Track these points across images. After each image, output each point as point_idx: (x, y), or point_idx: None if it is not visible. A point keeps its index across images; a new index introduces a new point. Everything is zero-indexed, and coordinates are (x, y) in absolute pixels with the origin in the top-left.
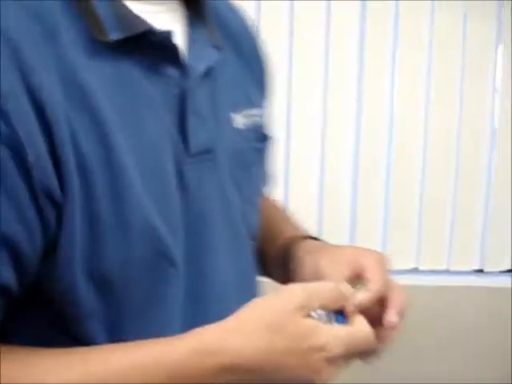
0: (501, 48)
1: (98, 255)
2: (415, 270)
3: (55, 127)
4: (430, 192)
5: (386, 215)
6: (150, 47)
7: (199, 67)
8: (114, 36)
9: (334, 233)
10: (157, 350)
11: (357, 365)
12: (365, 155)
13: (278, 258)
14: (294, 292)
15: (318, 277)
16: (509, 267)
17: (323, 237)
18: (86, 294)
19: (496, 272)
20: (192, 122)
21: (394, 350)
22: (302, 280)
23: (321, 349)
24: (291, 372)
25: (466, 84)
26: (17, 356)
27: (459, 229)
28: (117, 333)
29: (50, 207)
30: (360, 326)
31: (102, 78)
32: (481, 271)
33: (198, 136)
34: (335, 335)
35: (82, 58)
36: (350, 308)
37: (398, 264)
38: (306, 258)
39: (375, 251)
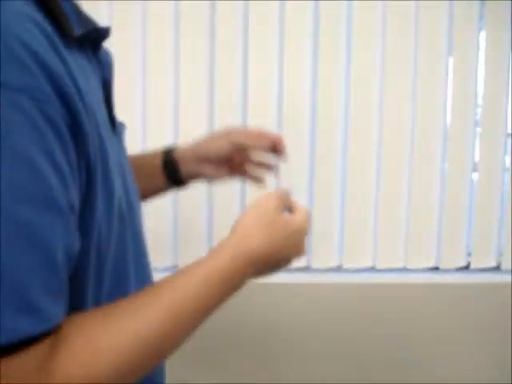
0: (451, 58)
1: (98, 224)
2: (373, 269)
3: (90, 112)
4: (385, 192)
5: (343, 216)
6: (92, 41)
7: (102, 56)
8: (78, 32)
9: None
10: (210, 267)
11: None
12: (320, 157)
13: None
14: (271, 198)
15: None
16: (464, 264)
17: None
18: (92, 262)
19: (452, 269)
20: (112, 105)
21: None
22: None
23: (300, 231)
24: (287, 253)
25: (419, 89)
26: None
27: (415, 227)
28: (99, 296)
29: (84, 181)
30: (303, 208)
31: (76, 71)
32: (436, 269)
33: (116, 117)
34: (303, 219)
35: (63, 51)
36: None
37: (356, 263)
38: (212, 141)
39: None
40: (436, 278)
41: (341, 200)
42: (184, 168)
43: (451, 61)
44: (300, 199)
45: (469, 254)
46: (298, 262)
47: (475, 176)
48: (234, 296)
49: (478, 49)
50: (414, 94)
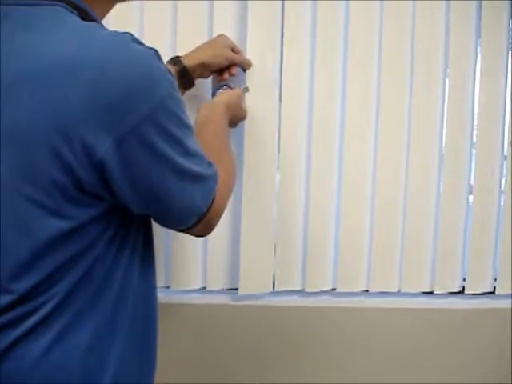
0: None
1: None
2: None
3: None
4: (380, 213)
5: (337, 238)
6: None
7: None
8: None
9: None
10: (218, 116)
11: None
12: (316, 191)
13: None
14: (236, 91)
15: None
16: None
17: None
18: None
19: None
20: None
21: None
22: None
23: (243, 106)
24: (241, 111)
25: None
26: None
27: (410, 251)
28: None
29: None
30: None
31: None
32: (431, 293)
33: None
34: (246, 109)
35: None
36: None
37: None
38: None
39: None
40: (430, 302)
41: (335, 223)
42: (194, 75)
43: (447, 82)
44: (298, 222)
45: (463, 279)
46: (292, 286)
47: (471, 199)
48: None
49: (474, 72)
50: (409, 115)
